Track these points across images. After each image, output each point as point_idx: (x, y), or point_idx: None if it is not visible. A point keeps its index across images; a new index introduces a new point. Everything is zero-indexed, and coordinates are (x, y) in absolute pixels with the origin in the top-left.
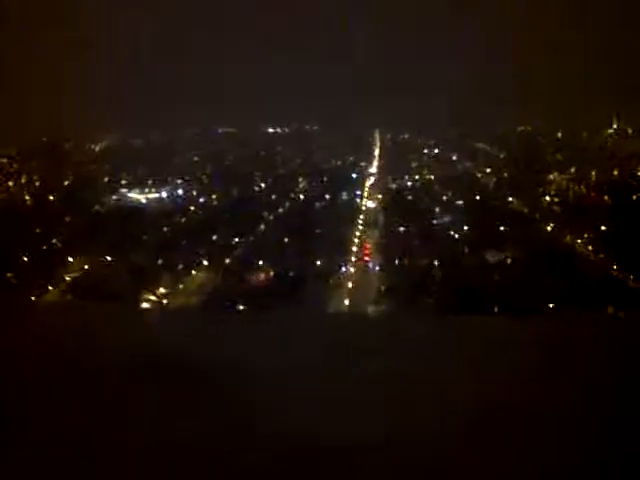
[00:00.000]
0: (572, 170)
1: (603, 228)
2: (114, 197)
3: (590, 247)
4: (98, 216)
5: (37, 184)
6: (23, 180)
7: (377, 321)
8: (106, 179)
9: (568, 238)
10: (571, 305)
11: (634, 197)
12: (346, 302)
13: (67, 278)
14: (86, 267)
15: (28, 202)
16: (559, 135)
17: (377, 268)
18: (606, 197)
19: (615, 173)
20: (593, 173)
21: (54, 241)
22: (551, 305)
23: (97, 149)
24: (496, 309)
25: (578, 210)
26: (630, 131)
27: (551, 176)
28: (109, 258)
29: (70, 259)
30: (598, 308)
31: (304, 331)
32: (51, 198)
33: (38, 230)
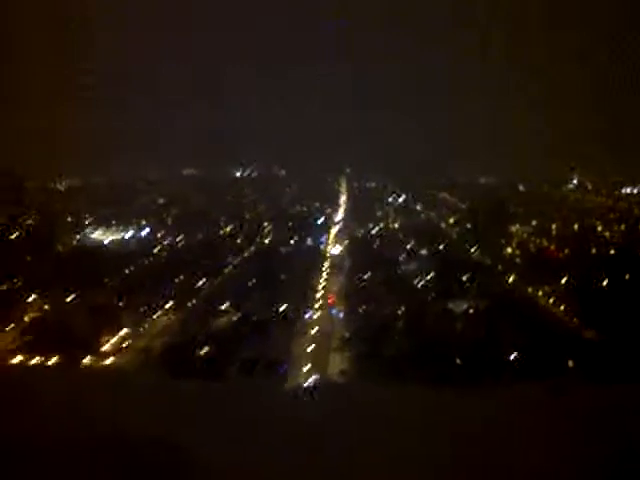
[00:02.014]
0: (533, 223)
1: (563, 281)
2: (77, 237)
3: (551, 300)
4: (60, 256)
5: None
6: None
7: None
8: (69, 219)
9: (529, 290)
10: (532, 358)
11: (594, 250)
12: (309, 349)
13: (26, 319)
14: (46, 307)
15: None
16: (521, 188)
17: (341, 315)
18: (566, 250)
19: (575, 227)
20: (554, 226)
21: (15, 280)
22: (512, 356)
23: (61, 188)
24: (458, 361)
25: (539, 262)
26: (590, 187)
27: (513, 228)
28: (70, 299)
29: (30, 299)
30: (558, 360)
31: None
32: (12, 237)
33: None
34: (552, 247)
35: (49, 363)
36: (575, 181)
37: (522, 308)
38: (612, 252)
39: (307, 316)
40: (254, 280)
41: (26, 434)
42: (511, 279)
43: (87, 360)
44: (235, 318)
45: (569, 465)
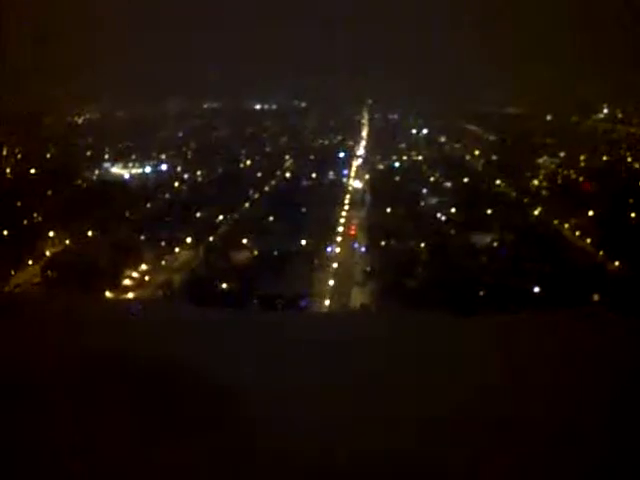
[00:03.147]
0: (561, 154)
1: (591, 213)
2: (96, 172)
3: (577, 232)
4: (80, 191)
5: (18, 157)
6: (4, 153)
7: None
8: (88, 153)
9: (555, 222)
10: (556, 290)
11: (622, 183)
12: (330, 283)
13: (47, 253)
14: (67, 242)
15: (8, 175)
16: (548, 118)
17: (362, 249)
18: (595, 182)
19: (604, 159)
20: (582, 158)
21: (35, 215)
22: (537, 289)
23: (79, 122)
24: (482, 293)
25: (566, 195)
26: (620, 116)
27: (540, 160)
28: (91, 233)
29: (51, 234)
30: (583, 294)
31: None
32: (32, 172)
33: (19, 204)
34: (580, 179)
35: (71, 297)
36: (606, 110)
37: (547, 241)
38: None
39: (329, 250)
40: (275, 214)
41: (49, 363)
42: (537, 212)
43: (108, 294)
44: (256, 252)
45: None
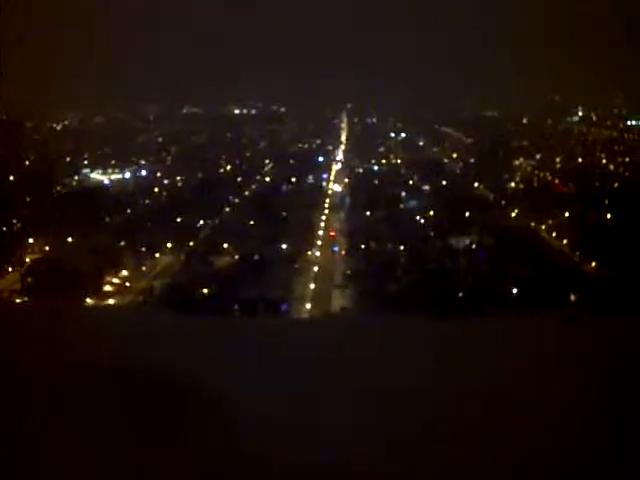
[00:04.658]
0: (537, 156)
1: (567, 215)
2: (76, 177)
3: (554, 234)
4: (59, 197)
5: None
6: None
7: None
8: (67, 159)
9: (532, 224)
10: (534, 291)
11: (597, 184)
12: (311, 286)
13: (27, 260)
14: (47, 249)
15: None
16: (524, 121)
17: (343, 252)
18: (570, 184)
19: (579, 160)
20: (558, 160)
21: (14, 222)
22: (515, 290)
23: (58, 128)
24: (460, 295)
25: (543, 196)
26: (594, 118)
27: (517, 162)
28: (70, 239)
29: (30, 240)
30: (560, 295)
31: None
32: (11, 178)
33: None
34: (556, 181)
35: (51, 304)
36: (580, 113)
37: (524, 242)
38: (616, 185)
39: (309, 254)
40: (255, 219)
41: (29, 370)
42: (514, 213)
43: (89, 300)
44: (236, 257)
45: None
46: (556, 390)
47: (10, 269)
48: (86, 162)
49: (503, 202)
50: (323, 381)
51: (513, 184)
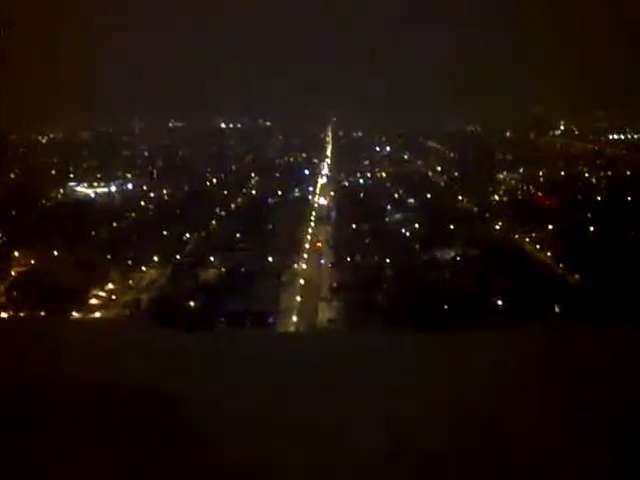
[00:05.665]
0: (520, 170)
1: (550, 227)
2: (62, 191)
3: (537, 246)
4: (45, 210)
5: None
6: None
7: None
8: (53, 172)
9: (516, 236)
10: (519, 302)
11: (580, 197)
12: (297, 299)
13: (13, 273)
14: (32, 262)
15: None
16: (507, 134)
17: (329, 265)
18: (553, 197)
19: (562, 173)
20: (541, 173)
21: (0, 235)
22: (500, 302)
23: (44, 141)
24: (446, 307)
25: (526, 209)
26: (576, 132)
27: (500, 175)
28: (56, 252)
29: (16, 254)
30: (544, 306)
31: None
32: None
33: None
34: (539, 194)
35: (37, 317)
36: (562, 127)
37: (508, 255)
38: (599, 198)
39: (295, 266)
40: (242, 232)
41: (16, 386)
42: (498, 226)
43: (75, 314)
44: (223, 270)
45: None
46: (547, 404)
47: None
48: (72, 175)
49: (487, 215)
50: (308, 396)
51: (497, 197)
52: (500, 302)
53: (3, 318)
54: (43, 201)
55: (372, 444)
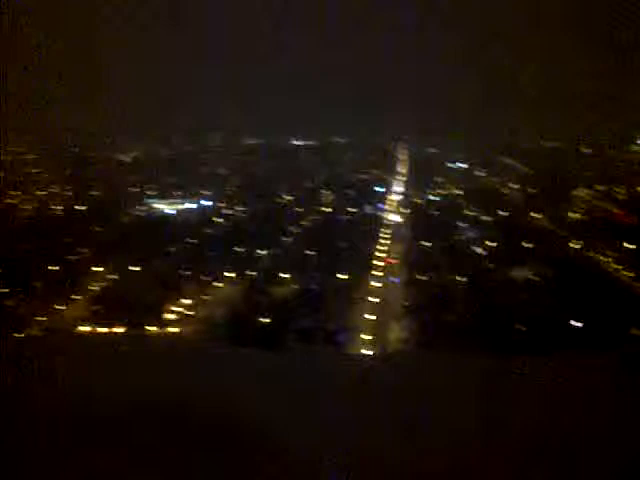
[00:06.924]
0: (598, 187)
1: (629, 246)
2: (141, 208)
3: (615, 265)
4: (125, 226)
5: (67, 194)
6: (55, 190)
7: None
8: (133, 190)
9: (593, 255)
10: (597, 323)
11: None
12: (371, 317)
13: (93, 288)
14: (112, 277)
15: (57, 212)
16: (585, 151)
17: (401, 284)
18: (632, 214)
19: None
20: (618, 190)
21: (82, 250)
22: (579, 324)
23: (126, 160)
24: (522, 329)
25: (604, 227)
26: None
27: (576, 192)
28: (135, 268)
29: (97, 269)
30: (623, 326)
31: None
32: (80, 208)
33: (66, 240)
34: (618, 211)
35: (116, 331)
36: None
37: (587, 275)
38: None
39: (367, 284)
40: (314, 249)
41: (92, 399)
42: (576, 245)
43: (152, 328)
44: (296, 287)
45: None
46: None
47: (75, 297)
48: (151, 193)
49: (563, 233)
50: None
51: (573, 214)
52: (579, 324)
53: (88, 333)
54: (123, 218)
55: None
